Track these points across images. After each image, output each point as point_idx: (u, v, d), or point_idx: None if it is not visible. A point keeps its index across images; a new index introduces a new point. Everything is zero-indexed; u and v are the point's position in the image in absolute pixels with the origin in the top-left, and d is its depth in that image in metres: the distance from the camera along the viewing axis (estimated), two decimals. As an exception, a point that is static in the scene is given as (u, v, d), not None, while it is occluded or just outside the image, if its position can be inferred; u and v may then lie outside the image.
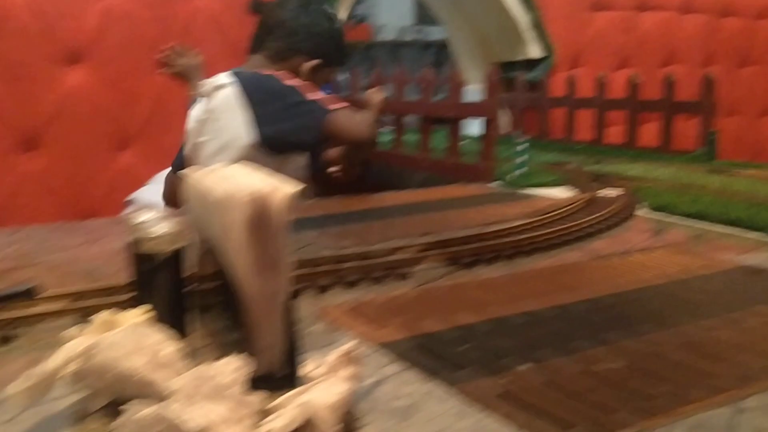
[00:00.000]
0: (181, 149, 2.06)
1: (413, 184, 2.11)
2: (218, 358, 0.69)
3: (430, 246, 1.08)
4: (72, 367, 0.57)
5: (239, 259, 0.62)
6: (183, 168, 2.08)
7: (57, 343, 0.74)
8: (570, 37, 3.73)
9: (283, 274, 0.63)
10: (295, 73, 1.81)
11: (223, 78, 1.66)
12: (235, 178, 0.68)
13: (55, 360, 0.56)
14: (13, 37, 2.00)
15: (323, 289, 0.89)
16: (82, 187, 2.02)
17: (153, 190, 1.85)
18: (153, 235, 0.68)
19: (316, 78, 1.93)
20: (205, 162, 1.88)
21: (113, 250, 1.15)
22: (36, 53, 2.06)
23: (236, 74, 1.75)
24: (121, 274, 1.01)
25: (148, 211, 0.72)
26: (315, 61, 1.91)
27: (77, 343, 0.58)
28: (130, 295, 0.84)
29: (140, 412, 0.50)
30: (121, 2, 2.16)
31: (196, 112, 1.74)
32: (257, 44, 2.02)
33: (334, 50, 2.01)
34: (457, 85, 2.00)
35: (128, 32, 2.15)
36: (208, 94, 1.65)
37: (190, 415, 0.50)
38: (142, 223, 0.70)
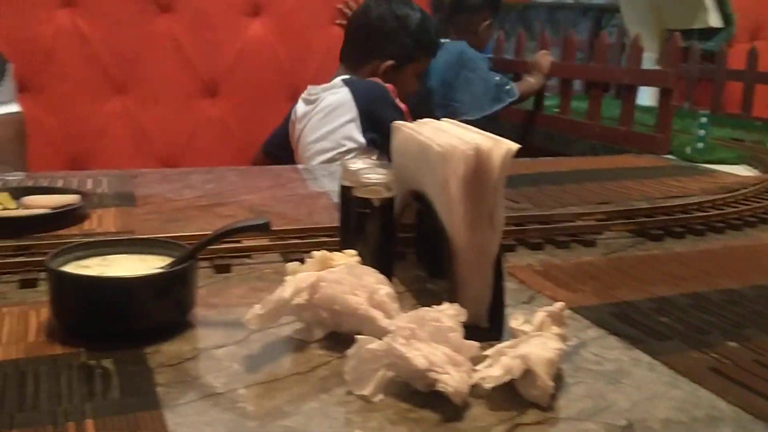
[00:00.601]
0: (274, 134, 2.12)
1: (576, 151, 2.07)
2: (416, 305, 0.72)
3: (613, 215, 1.06)
4: (300, 298, 0.61)
5: (454, 211, 0.63)
6: (272, 152, 2.15)
7: (269, 276, 0.80)
8: (752, 7, 3.47)
9: (496, 229, 0.64)
10: (375, 75, 1.85)
11: (337, 83, 1.74)
12: (453, 131, 0.70)
13: (285, 290, 0.61)
14: (203, -12, 2.13)
15: (508, 249, 0.89)
16: (256, 135, 2.12)
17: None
18: (369, 182, 0.72)
19: (398, 77, 1.96)
20: (306, 156, 1.95)
21: (300, 195, 1.21)
22: (222, 4, 2.17)
23: (348, 81, 1.82)
24: (312, 217, 1.06)
25: (364, 158, 0.76)
26: (388, 63, 1.95)
27: (305, 277, 0.62)
28: (332, 237, 0.89)
29: (371, 344, 0.53)
30: (300, -43, 2.24)
31: (302, 108, 1.81)
32: (341, 53, 2.10)
33: (406, 48, 2.03)
34: (637, 51, 1.92)
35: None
36: (317, 95, 1.71)
37: (417, 352, 0.53)
38: (359, 169, 0.73)
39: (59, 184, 1.20)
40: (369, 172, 0.72)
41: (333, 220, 1.04)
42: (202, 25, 2.17)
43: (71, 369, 0.57)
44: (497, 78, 2.22)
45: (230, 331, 0.65)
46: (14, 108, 1.47)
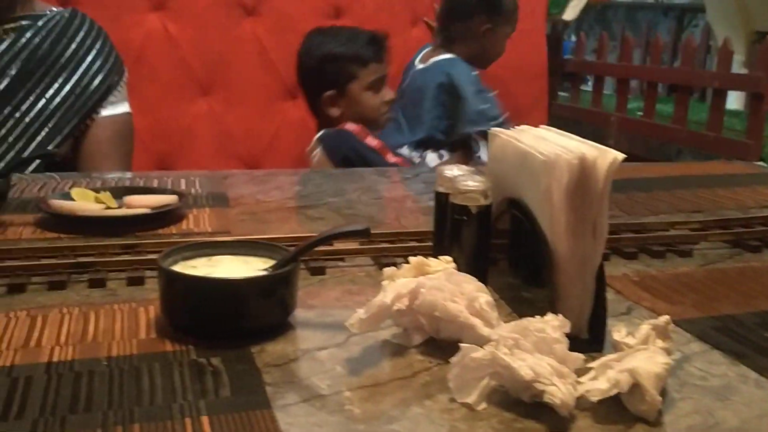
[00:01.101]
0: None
1: (661, 156, 2.02)
2: (511, 313, 0.72)
3: (709, 224, 1.03)
4: (401, 304, 0.62)
5: (556, 221, 0.63)
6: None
7: (362, 279, 0.81)
8: None
9: (599, 239, 0.63)
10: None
11: (315, 142, 1.76)
12: (554, 139, 0.69)
13: (386, 296, 0.61)
14: (288, -7, 2.17)
15: (602, 258, 0.88)
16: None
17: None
18: (466, 189, 0.72)
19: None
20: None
21: (386, 198, 1.22)
22: (305, 7, 2.21)
23: (322, 137, 1.82)
24: (400, 220, 1.07)
25: (460, 165, 0.76)
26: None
27: (405, 283, 0.63)
28: (422, 242, 0.89)
29: (475, 352, 0.54)
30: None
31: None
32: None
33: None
34: (727, 55, 1.86)
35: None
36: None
37: (522, 363, 0.53)
38: (456, 176, 0.74)
39: (154, 183, 1.25)
40: (466, 178, 0.72)
41: (421, 224, 1.05)
42: (284, 28, 2.21)
43: (182, 366, 0.59)
44: (485, 106, 2.06)
45: (330, 333, 0.66)
46: (127, 108, 1.54)
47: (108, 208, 1.00)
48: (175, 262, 0.68)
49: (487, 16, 2.11)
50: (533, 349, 0.55)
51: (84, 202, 1.01)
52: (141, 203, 1.01)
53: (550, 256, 0.64)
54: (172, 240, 0.90)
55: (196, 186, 1.25)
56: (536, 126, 0.78)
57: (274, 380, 0.57)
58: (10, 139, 1.41)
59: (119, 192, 1.06)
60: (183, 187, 1.24)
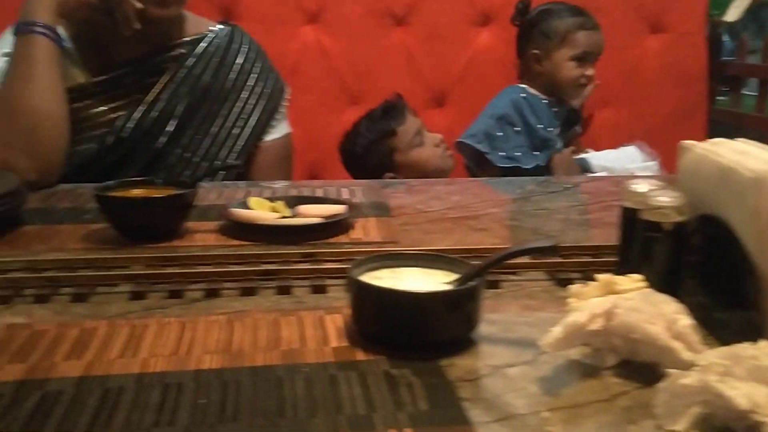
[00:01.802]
0: None
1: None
2: (707, 336, 0.68)
3: None
4: (596, 324, 0.60)
5: (766, 242, 0.59)
6: None
7: (538, 294, 0.80)
8: None
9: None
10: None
11: None
12: (758, 154, 0.65)
13: (581, 315, 0.60)
14: (440, 1, 2.18)
15: None
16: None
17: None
18: (658, 205, 0.69)
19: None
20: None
21: (548, 210, 1.20)
22: (454, 14, 2.22)
23: None
24: (567, 233, 1.05)
25: (651, 179, 0.73)
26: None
27: (599, 303, 0.61)
28: (596, 257, 0.87)
29: (684, 378, 0.51)
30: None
31: None
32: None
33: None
34: None
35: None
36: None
37: (737, 391, 0.50)
38: (646, 191, 0.71)
39: (318, 193, 1.29)
40: (658, 194, 0.69)
41: (589, 238, 1.02)
42: (433, 36, 2.23)
43: (376, 376, 0.60)
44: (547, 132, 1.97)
45: (516, 350, 0.66)
46: (288, 128, 1.59)
47: (282, 217, 1.05)
48: (361, 273, 0.70)
49: (535, 44, 2.03)
50: (747, 377, 0.52)
51: (260, 211, 1.05)
52: (313, 213, 1.05)
53: (757, 279, 0.61)
54: (345, 249, 0.92)
55: (358, 195, 1.28)
56: (696, 131, 0.75)
57: (468, 395, 0.57)
58: (176, 171, 1.44)
59: (291, 201, 1.10)
60: (345, 196, 1.27)
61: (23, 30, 1.28)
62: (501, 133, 1.94)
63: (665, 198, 0.69)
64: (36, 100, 1.26)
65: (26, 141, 1.25)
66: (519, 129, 1.95)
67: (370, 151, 1.94)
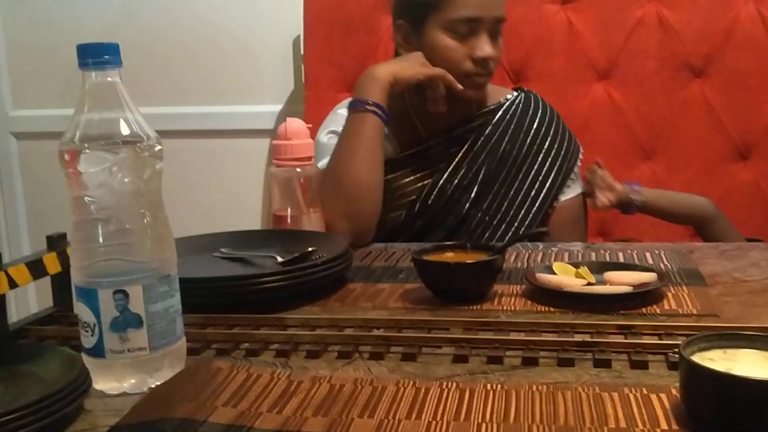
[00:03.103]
0: None
1: None
2: None
3: None
4: None
5: None
6: None
7: None
8: None
9: None
10: None
11: None
12: None
13: None
14: (741, 48, 2.04)
15: None
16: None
17: None
18: None
19: None
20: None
21: None
22: (762, 63, 2.05)
23: None
24: None
25: None
26: None
27: None
28: None
29: None
30: None
31: None
32: None
33: None
34: None
35: None
36: None
37: None
38: None
39: (619, 255, 1.26)
40: None
41: None
42: (735, 86, 2.09)
43: (717, 467, 0.58)
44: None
45: None
46: (581, 188, 1.60)
47: (588, 284, 1.04)
48: (692, 353, 0.68)
49: None
50: None
51: (565, 276, 1.06)
52: (621, 280, 1.03)
53: None
54: (662, 323, 0.89)
55: (663, 260, 1.23)
56: None
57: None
58: (478, 234, 1.51)
59: (595, 267, 1.10)
60: (649, 259, 1.23)
61: (357, 107, 1.43)
62: None
63: None
64: (360, 172, 1.40)
65: (348, 209, 1.39)
66: None
67: None
